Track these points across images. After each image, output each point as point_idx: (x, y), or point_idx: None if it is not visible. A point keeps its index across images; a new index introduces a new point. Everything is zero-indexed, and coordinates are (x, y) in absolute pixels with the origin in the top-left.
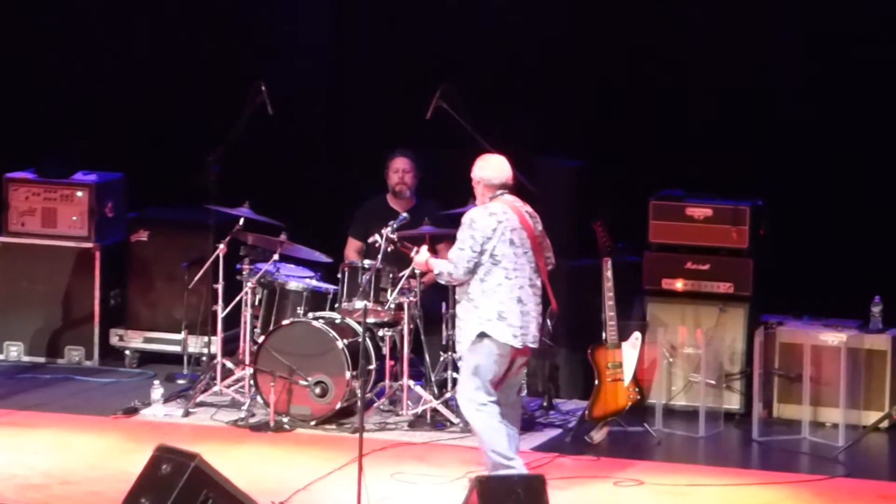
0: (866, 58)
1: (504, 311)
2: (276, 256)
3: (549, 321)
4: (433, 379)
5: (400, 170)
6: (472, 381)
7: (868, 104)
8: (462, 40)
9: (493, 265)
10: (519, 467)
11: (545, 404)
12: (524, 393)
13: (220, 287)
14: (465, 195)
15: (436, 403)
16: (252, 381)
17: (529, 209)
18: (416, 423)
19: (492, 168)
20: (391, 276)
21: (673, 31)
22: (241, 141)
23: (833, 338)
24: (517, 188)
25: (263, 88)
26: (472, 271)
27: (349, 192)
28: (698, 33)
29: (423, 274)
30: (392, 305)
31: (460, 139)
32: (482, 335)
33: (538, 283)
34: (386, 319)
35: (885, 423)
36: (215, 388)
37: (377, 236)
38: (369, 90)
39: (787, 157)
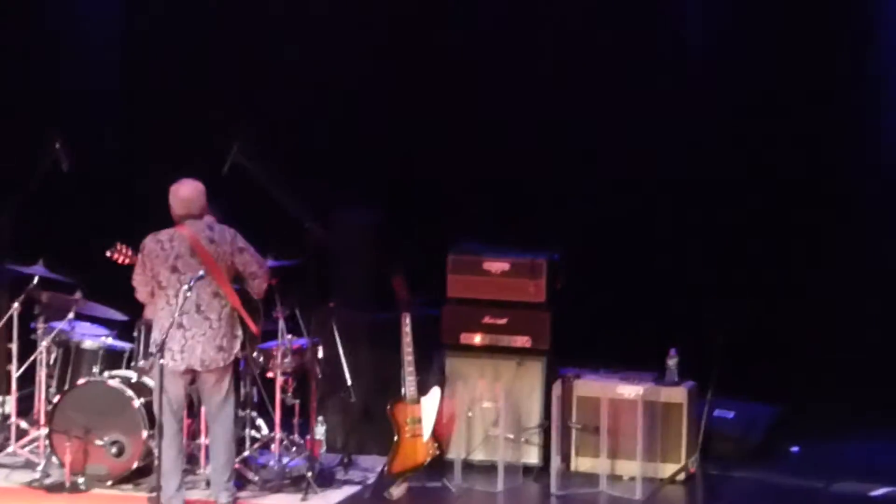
0: (661, 116)
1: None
2: (71, 315)
3: (250, 345)
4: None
5: None
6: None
7: (662, 164)
8: (261, 92)
9: (160, 290)
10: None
11: (345, 460)
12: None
13: (14, 346)
14: (267, 245)
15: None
16: (47, 442)
17: (220, 235)
18: None
19: (175, 198)
20: None
21: (469, 87)
22: (35, 195)
23: (630, 391)
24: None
25: (58, 146)
26: (153, 294)
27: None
28: (492, 91)
29: None
30: None
31: (258, 191)
32: (153, 355)
33: (218, 307)
34: None
35: (681, 475)
36: (9, 449)
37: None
38: (166, 143)
39: (582, 212)
